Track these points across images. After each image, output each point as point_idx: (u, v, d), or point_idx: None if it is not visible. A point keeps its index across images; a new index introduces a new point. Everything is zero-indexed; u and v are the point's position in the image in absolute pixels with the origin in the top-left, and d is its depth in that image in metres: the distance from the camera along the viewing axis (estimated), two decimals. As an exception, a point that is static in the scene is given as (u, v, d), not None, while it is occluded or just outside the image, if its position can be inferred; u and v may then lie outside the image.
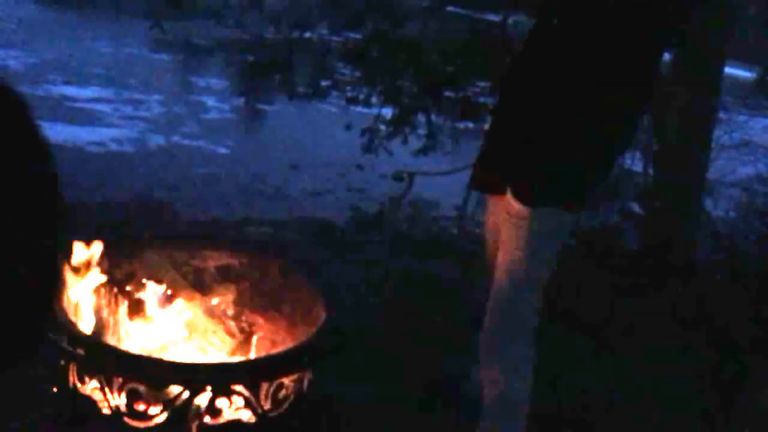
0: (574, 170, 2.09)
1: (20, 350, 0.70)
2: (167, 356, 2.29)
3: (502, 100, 2.47)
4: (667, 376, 3.09)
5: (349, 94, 6.18)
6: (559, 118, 2.07)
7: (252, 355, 2.37)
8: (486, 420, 2.28)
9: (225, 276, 2.60)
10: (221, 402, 2.03)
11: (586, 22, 2.03)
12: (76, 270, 2.29)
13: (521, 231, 2.14)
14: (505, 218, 2.19)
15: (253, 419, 2.08)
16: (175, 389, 1.99)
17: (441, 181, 5.47)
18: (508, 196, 2.13)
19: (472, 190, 2.75)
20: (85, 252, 2.30)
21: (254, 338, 2.42)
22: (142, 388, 1.99)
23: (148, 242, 2.59)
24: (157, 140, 7.26)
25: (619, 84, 2.03)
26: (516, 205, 2.11)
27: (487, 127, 2.56)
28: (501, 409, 2.25)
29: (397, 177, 5.64)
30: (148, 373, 2.03)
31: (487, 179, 2.37)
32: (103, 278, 2.35)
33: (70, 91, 8.37)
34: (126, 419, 2.02)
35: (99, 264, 2.36)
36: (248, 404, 2.05)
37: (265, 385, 2.06)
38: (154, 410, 2.01)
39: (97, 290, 2.34)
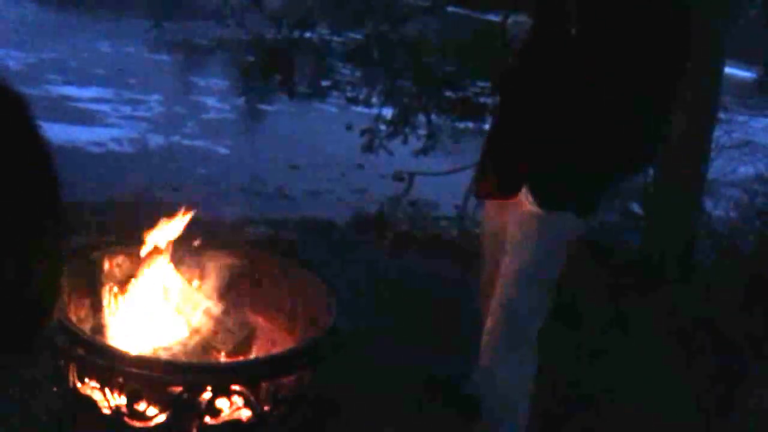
0: (593, 176, 2.09)
1: (21, 350, 0.70)
2: (167, 356, 2.29)
3: (507, 103, 2.43)
4: (667, 376, 3.08)
5: (350, 94, 6.18)
6: (584, 124, 2.05)
7: (252, 355, 2.37)
8: (487, 420, 2.28)
9: (225, 276, 2.59)
10: (221, 402, 2.03)
11: (610, 33, 2.01)
12: (77, 270, 2.29)
13: (532, 234, 2.13)
14: (514, 221, 2.17)
15: (253, 419, 2.08)
16: (175, 389, 1.99)
17: (441, 181, 5.47)
18: (523, 198, 2.12)
19: (478, 199, 2.72)
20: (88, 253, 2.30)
21: (254, 338, 2.42)
22: (142, 388, 1.99)
23: (149, 242, 2.59)
24: (157, 140, 7.26)
25: (645, 93, 2.02)
26: (531, 208, 2.10)
27: (488, 128, 2.55)
28: (502, 410, 2.25)
29: (397, 177, 5.65)
30: (148, 373, 2.03)
31: (493, 184, 2.34)
32: (104, 279, 2.35)
33: (70, 91, 8.38)
34: (126, 419, 2.02)
35: (100, 265, 2.36)
36: (248, 404, 2.05)
37: (265, 385, 2.06)
38: (154, 410, 2.00)
39: (97, 290, 2.34)
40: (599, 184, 2.14)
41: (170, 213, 2.36)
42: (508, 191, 2.23)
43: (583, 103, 2.06)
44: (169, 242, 2.41)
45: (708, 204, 4.98)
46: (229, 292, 2.58)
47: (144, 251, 2.44)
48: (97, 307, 2.35)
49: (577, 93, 2.07)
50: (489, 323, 2.22)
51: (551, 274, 2.18)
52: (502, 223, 2.28)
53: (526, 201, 2.11)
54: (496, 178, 2.32)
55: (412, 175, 5.57)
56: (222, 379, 2.05)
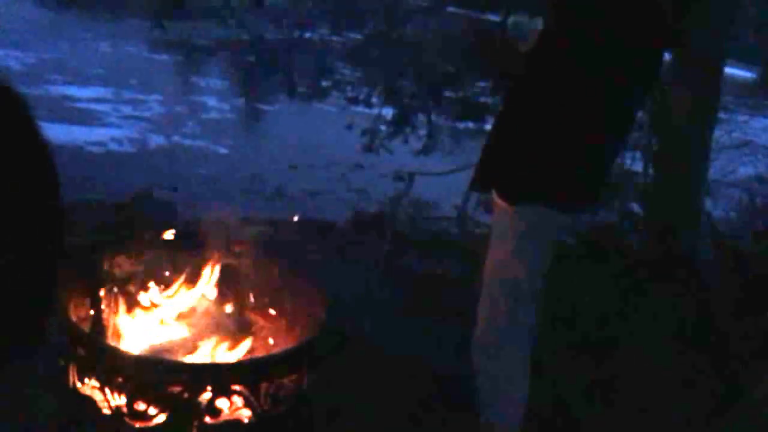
0: (557, 169, 2.06)
1: (21, 349, 0.70)
2: (167, 356, 2.29)
3: (504, 102, 2.45)
4: (667, 376, 3.09)
5: (350, 94, 6.19)
6: (546, 119, 2.05)
7: (252, 355, 2.37)
8: (482, 420, 2.27)
9: (225, 276, 2.60)
10: (221, 402, 2.03)
11: (577, 26, 2.02)
12: (77, 270, 2.29)
13: (506, 229, 2.13)
14: (494, 217, 2.19)
15: (253, 419, 2.08)
16: (175, 389, 1.99)
17: (441, 181, 5.47)
18: (494, 193, 2.13)
19: (470, 190, 2.75)
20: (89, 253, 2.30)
21: (254, 338, 2.42)
22: (142, 388, 1.99)
23: (148, 242, 2.59)
24: (157, 140, 7.26)
25: (611, 90, 2.02)
26: (501, 203, 2.11)
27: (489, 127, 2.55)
28: (496, 410, 2.25)
29: (397, 177, 5.65)
30: (148, 373, 2.03)
31: (482, 178, 2.34)
32: (104, 279, 2.36)
33: (70, 91, 8.38)
34: (126, 419, 2.02)
35: (100, 265, 2.36)
36: (248, 404, 2.05)
37: (265, 385, 2.06)
38: (154, 410, 2.01)
39: (97, 290, 2.34)
40: (563, 177, 2.09)
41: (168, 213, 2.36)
42: (483, 185, 2.25)
43: (545, 97, 2.06)
44: (169, 242, 2.42)
45: (708, 204, 4.97)
46: (229, 292, 2.58)
47: (144, 251, 2.44)
48: (97, 307, 2.35)
49: (540, 87, 2.07)
50: (477, 323, 2.21)
51: (531, 271, 2.15)
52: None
53: (495, 196, 2.12)
54: (480, 173, 2.30)
55: (412, 175, 5.57)
56: (222, 379, 2.05)
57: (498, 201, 2.12)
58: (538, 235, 2.13)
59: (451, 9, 7.44)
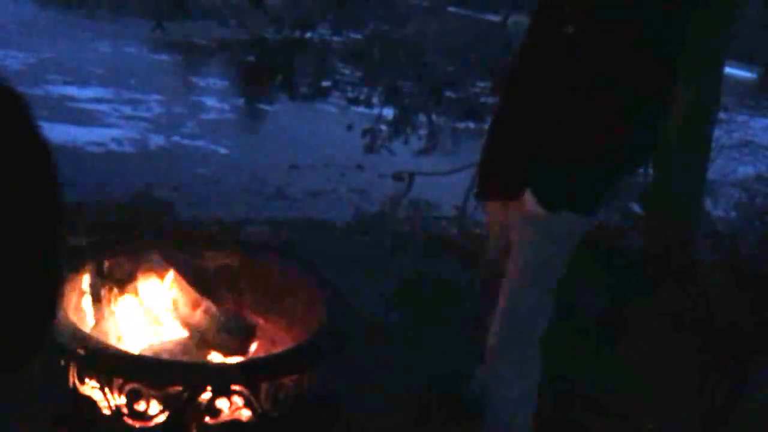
0: (593, 174, 2.08)
1: (25, 350, 0.70)
2: (167, 356, 2.29)
3: (509, 103, 2.41)
4: (667, 376, 3.09)
5: (350, 94, 6.19)
6: (582, 122, 2.04)
7: (252, 355, 2.37)
8: (491, 421, 2.28)
9: (225, 276, 2.60)
10: (221, 402, 2.03)
11: (605, 28, 2.01)
12: (77, 270, 2.29)
13: (535, 234, 2.13)
14: (518, 222, 2.17)
15: (253, 419, 2.08)
16: (175, 389, 1.99)
17: (441, 181, 5.47)
18: (526, 199, 2.11)
19: (480, 200, 2.71)
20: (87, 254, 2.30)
21: (254, 338, 2.42)
22: (142, 388, 1.99)
23: (148, 242, 2.59)
24: (157, 140, 7.26)
25: (640, 89, 2.02)
26: (535, 209, 2.09)
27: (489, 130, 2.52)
28: (506, 412, 2.25)
29: (397, 177, 5.66)
30: (148, 373, 2.03)
31: (496, 185, 2.33)
32: (104, 279, 2.36)
33: (70, 91, 8.37)
34: (126, 419, 2.02)
35: (101, 265, 2.36)
36: (248, 404, 2.05)
37: (265, 385, 2.06)
38: (154, 410, 2.01)
39: (97, 290, 2.34)
40: (599, 182, 2.12)
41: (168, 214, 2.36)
42: (510, 193, 2.22)
43: (580, 101, 2.05)
44: (169, 242, 2.42)
45: (708, 204, 4.97)
46: (229, 292, 2.58)
47: (144, 251, 2.44)
48: (97, 307, 2.35)
49: (574, 91, 2.07)
50: (495, 325, 2.21)
51: (555, 275, 2.18)
52: (505, 222, 2.29)
53: (528, 202, 2.10)
54: (497, 180, 2.31)
55: (412, 175, 5.58)
56: (222, 379, 2.05)
57: (530, 207, 2.10)
58: (570, 239, 2.16)
59: (451, 9, 7.44)
